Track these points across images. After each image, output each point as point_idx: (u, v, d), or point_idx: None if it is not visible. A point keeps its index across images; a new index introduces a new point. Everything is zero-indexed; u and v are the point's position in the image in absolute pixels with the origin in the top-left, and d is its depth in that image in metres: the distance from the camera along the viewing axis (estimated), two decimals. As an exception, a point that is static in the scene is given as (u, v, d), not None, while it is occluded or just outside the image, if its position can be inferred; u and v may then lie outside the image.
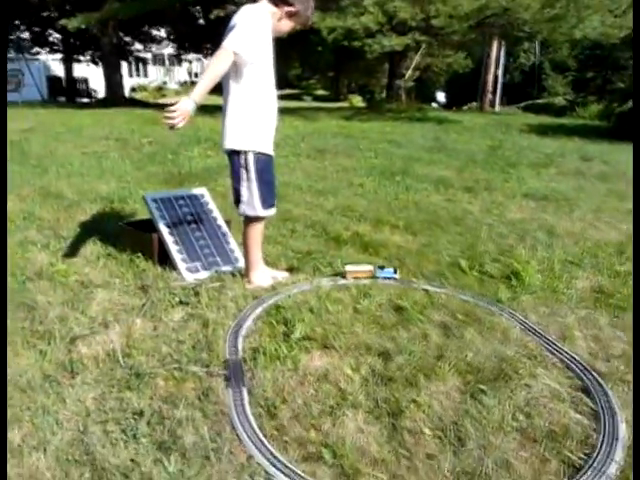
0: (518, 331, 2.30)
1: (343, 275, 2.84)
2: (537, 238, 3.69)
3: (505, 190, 5.24)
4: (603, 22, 13.49)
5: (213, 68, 2.33)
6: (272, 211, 2.67)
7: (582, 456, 1.58)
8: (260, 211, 2.59)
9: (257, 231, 2.69)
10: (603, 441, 1.63)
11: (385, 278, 2.83)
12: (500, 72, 21.91)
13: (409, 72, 21.36)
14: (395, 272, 2.87)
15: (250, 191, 2.55)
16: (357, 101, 26.09)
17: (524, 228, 3.93)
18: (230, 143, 2.52)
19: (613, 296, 2.72)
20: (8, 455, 1.52)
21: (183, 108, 2.24)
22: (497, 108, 21.41)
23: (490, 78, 21.26)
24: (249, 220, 2.66)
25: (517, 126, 11.90)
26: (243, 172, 2.54)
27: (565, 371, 2.02)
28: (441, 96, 29.99)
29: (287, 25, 2.58)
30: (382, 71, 25.50)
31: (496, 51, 21.26)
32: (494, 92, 21.68)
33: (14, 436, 1.60)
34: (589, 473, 1.50)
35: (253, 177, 2.53)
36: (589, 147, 8.62)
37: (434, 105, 24.65)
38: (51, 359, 2.01)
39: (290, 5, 2.49)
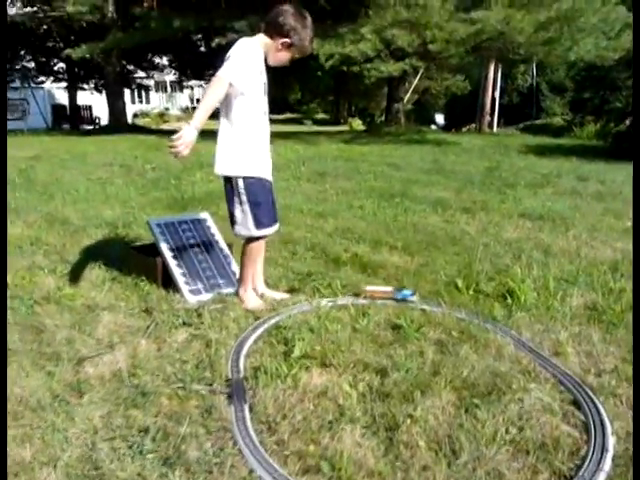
0: (512, 348, 2.36)
1: (362, 294, 2.91)
2: (533, 257, 3.77)
3: (502, 210, 5.33)
4: (597, 45, 13.74)
5: (210, 97, 2.47)
6: (267, 230, 2.75)
7: (572, 467, 1.64)
8: (254, 231, 2.70)
9: (254, 250, 2.79)
10: (593, 452, 1.68)
11: (403, 300, 2.86)
12: (497, 94, 22.21)
13: (408, 95, 21.71)
14: (413, 294, 2.89)
15: (244, 213, 2.68)
16: (357, 124, 26.39)
17: (520, 247, 4.01)
18: (220, 169, 2.66)
19: (606, 313, 2.78)
20: (19, 471, 1.59)
21: (187, 137, 2.37)
22: (495, 129, 21.64)
23: (488, 100, 21.54)
24: (247, 240, 2.77)
25: (515, 147, 12.04)
26: (235, 196, 2.67)
27: (557, 386, 2.08)
28: (440, 118, 30.32)
29: (285, 55, 2.70)
30: (381, 94, 25.87)
31: (493, 73, 21.59)
32: (492, 114, 21.94)
33: (25, 453, 1.66)
34: (579, 483, 1.55)
35: (245, 200, 2.65)
36: (586, 167, 8.74)
37: (433, 127, 24.93)
38: (59, 379, 2.09)
39: (285, 37, 2.61)
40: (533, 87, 28.23)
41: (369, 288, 2.94)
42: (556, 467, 1.63)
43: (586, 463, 1.63)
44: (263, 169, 2.72)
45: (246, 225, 2.69)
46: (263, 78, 2.67)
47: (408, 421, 1.81)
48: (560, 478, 1.60)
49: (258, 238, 2.76)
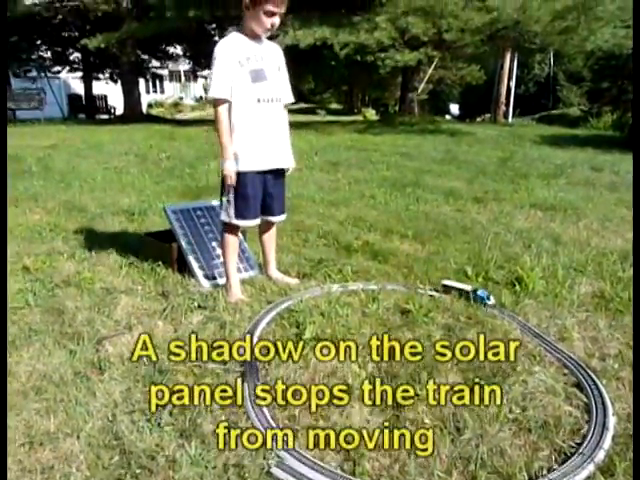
0: (518, 332, 2.42)
1: (438, 289, 2.91)
2: (543, 246, 3.80)
3: (514, 200, 5.35)
4: (615, 34, 13.55)
5: (217, 123, 2.63)
6: (245, 223, 2.81)
7: (573, 445, 1.70)
8: (233, 220, 2.77)
9: (227, 239, 2.84)
10: (593, 431, 1.73)
11: (477, 299, 2.73)
12: (513, 84, 21.98)
13: (422, 85, 21.55)
14: (489, 297, 2.74)
15: (229, 202, 2.76)
16: (371, 114, 26.33)
17: (530, 237, 4.04)
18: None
19: (613, 301, 2.82)
20: (45, 440, 1.68)
21: (229, 171, 2.65)
22: (510, 120, 21.46)
23: (503, 90, 21.36)
24: (224, 228, 2.86)
25: (529, 137, 11.97)
26: (225, 185, 2.75)
27: (561, 369, 2.13)
28: (455, 108, 30.15)
29: (257, 18, 2.58)
30: (395, 84, 25.72)
31: (509, 63, 21.38)
32: (507, 104, 21.74)
33: (49, 424, 1.76)
34: (578, 459, 1.61)
35: (231, 190, 2.74)
36: (600, 157, 8.68)
37: (448, 117, 24.78)
38: (81, 357, 2.18)
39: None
40: (550, 77, 27.90)
41: (446, 282, 2.92)
42: (557, 445, 1.69)
43: (586, 441, 1.69)
44: (254, 161, 2.72)
45: (228, 212, 2.77)
46: (252, 65, 2.63)
47: (414, 400, 1.88)
48: (560, 455, 1.66)
49: (234, 228, 2.82)
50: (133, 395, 1.92)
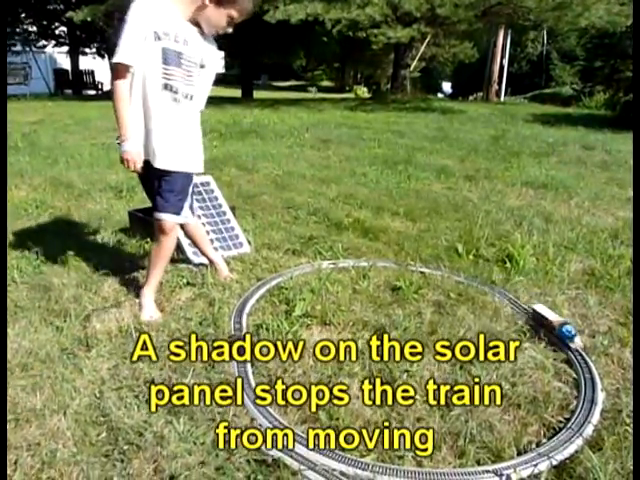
0: (509, 309, 2.42)
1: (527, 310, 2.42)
2: (534, 224, 3.79)
3: (505, 178, 5.33)
4: (609, 10, 13.41)
5: (117, 94, 2.14)
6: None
7: (561, 420, 1.70)
8: None
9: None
10: (582, 406, 1.74)
11: (560, 334, 2.14)
12: (506, 62, 21.80)
13: (414, 63, 21.33)
14: (572, 338, 2.10)
15: None
16: (362, 92, 26.06)
17: (521, 214, 4.03)
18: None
19: (603, 278, 2.82)
20: (31, 417, 1.66)
21: (130, 154, 2.22)
22: (503, 98, 21.33)
23: (496, 68, 21.17)
24: None
25: (522, 116, 11.91)
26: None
27: (551, 345, 2.13)
28: (447, 86, 29.93)
29: (218, 17, 2.20)
30: (388, 62, 25.46)
31: (502, 40, 21.17)
32: (500, 82, 21.59)
33: (35, 401, 1.73)
34: (566, 434, 1.61)
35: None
36: (592, 136, 8.65)
37: (440, 95, 24.61)
38: (67, 334, 2.15)
39: None
40: (543, 55, 27.72)
41: (538, 308, 2.34)
42: (546, 420, 1.70)
43: (575, 416, 1.69)
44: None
45: None
46: (169, 44, 2.15)
47: (404, 376, 1.87)
48: (549, 430, 1.66)
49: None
50: (120, 372, 1.90)
